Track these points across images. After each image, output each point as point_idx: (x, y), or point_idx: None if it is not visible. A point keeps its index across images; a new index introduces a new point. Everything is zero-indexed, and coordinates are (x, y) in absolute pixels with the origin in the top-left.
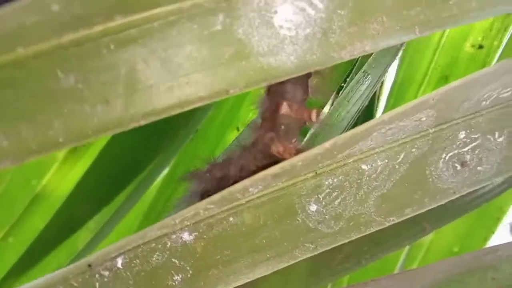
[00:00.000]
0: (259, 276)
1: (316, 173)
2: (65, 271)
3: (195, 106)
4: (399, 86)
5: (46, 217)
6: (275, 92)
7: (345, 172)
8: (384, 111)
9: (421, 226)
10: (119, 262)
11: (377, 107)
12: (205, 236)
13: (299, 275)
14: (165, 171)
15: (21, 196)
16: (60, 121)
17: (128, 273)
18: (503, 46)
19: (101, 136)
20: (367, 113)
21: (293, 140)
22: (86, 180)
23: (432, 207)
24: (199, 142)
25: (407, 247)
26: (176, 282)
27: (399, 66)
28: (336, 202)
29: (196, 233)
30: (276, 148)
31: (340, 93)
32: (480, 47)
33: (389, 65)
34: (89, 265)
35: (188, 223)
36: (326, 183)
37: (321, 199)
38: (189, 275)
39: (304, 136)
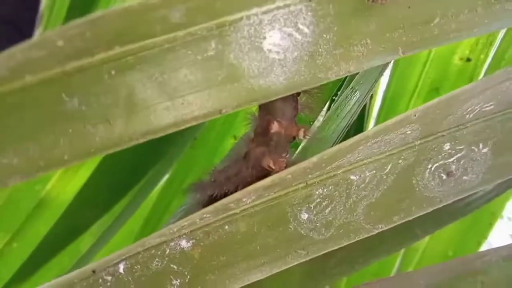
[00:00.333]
0: (254, 280)
1: (307, 183)
2: (70, 277)
3: (190, 125)
4: (390, 98)
5: (50, 222)
6: (266, 110)
7: (335, 182)
8: (376, 123)
9: (413, 232)
10: (121, 267)
11: (368, 119)
12: (202, 243)
13: (294, 280)
14: (165, 178)
15: (25, 202)
16: (65, 140)
17: (130, 278)
18: (490, 59)
19: (103, 153)
20: (357, 126)
21: (284, 155)
22: (89, 187)
23: (419, 214)
24: (197, 150)
25: (402, 251)
26: (175, 287)
27: (390, 79)
28: (327, 211)
29: (194, 241)
30: (267, 162)
31: (330, 107)
32: (468, 60)
33: (376, 81)
34: (93, 271)
35: (186, 231)
36: (317, 193)
37: (312, 208)
38: (187, 280)
39: (296, 148)
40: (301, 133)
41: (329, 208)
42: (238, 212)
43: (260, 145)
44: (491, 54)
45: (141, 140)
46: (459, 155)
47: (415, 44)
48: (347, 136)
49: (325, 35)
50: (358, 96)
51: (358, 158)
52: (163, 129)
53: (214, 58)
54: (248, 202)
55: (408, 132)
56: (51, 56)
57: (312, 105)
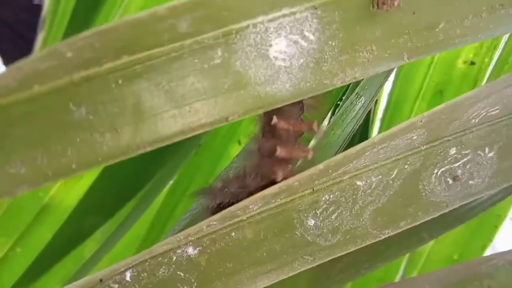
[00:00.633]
0: (261, 287)
1: (313, 189)
2: (77, 285)
3: (197, 133)
4: (395, 102)
5: (54, 227)
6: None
7: (341, 188)
8: (381, 127)
9: (420, 235)
10: (128, 275)
11: (373, 123)
12: (208, 250)
13: (300, 285)
14: (169, 184)
15: (29, 207)
16: (73, 149)
17: (137, 286)
18: (494, 62)
19: (110, 162)
20: (363, 130)
21: (289, 165)
22: (93, 192)
23: (426, 219)
24: (202, 156)
25: (407, 256)
26: None
27: (394, 83)
28: (333, 217)
29: (200, 248)
30: (273, 173)
31: (335, 113)
32: (472, 63)
33: (381, 86)
34: (100, 280)
35: (192, 239)
36: (323, 199)
37: (318, 214)
38: (194, 287)
39: None
40: (315, 125)
41: (336, 214)
42: (245, 219)
43: (269, 140)
44: (495, 58)
45: (149, 149)
46: (465, 159)
47: (420, 49)
48: (352, 141)
49: (330, 42)
50: (363, 102)
51: (364, 164)
52: (170, 137)
53: (221, 66)
54: (254, 209)
55: (414, 137)
56: (59, 66)
57: (317, 111)
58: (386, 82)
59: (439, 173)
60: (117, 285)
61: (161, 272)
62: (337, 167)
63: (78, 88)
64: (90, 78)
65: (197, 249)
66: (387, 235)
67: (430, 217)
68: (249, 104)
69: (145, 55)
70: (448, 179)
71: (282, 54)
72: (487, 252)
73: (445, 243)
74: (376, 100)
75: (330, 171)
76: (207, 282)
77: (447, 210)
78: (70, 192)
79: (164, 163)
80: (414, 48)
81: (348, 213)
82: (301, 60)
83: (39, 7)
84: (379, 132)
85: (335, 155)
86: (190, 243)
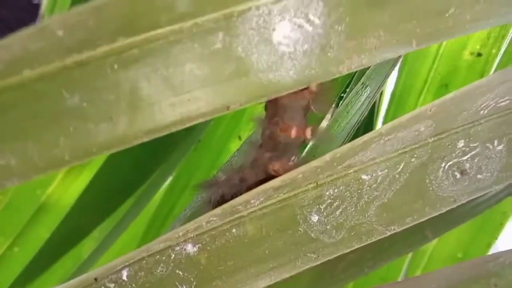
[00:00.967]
0: (263, 286)
1: (317, 184)
2: (71, 284)
3: (197, 122)
4: (400, 94)
5: (51, 226)
6: (273, 110)
7: (346, 182)
8: (385, 119)
9: (423, 233)
10: (124, 274)
11: (377, 115)
12: (208, 248)
13: (303, 283)
14: (168, 181)
15: (26, 206)
16: (66, 139)
17: (134, 285)
18: (501, 53)
19: (105, 153)
20: (367, 122)
21: (292, 158)
22: (91, 190)
23: (433, 215)
24: (201, 152)
25: (410, 255)
26: None
27: (399, 74)
28: (337, 212)
29: (200, 245)
30: (273, 167)
31: (339, 104)
32: (479, 55)
33: (387, 76)
34: (95, 279)
35: (192, 235)
36: (327, 193)
37: (322, 209)
38: (193, 286)
39: (305, 146)
40: (308, 133)
41: (340, 210)
42: (246, 214)
43: (268, 151)
44: (503, 48)
45: (146, 139)
46: (473, 152)
47: (429, 35)
48: (357, 133)
49: (336, 27)
50: (368, 92)
51: (370, 157)
52: (168, 126)
53: (222, 51)
54: (256, 204)
55: (422, 129)
56: (51, 48)
57: (322, 101)
58: (391, 74)
59: (446, 167)
60: (113, 285)
61: (159, 271)
62: (342, 159)
63: (71, 73)
64: (84, 62)
65: (197, 246)
66: (393, 232)
67: (437, 213)
68: (251, 92)
69: (142, 38)
70: (456, 173)
71: (286, 39)
72: (492, 250)
73: (449, 241)
74: (381, 91)
75: (335, 163)
76: (207, 281)
77: (454, 206)
78: (67, 191)
79: (163, 160)
80: (423, 34)
81: (353, 209)
82: (306, 46)
83: (38, 7)
84: (384, 124)
85: (339, 147)
86: (189, 240)
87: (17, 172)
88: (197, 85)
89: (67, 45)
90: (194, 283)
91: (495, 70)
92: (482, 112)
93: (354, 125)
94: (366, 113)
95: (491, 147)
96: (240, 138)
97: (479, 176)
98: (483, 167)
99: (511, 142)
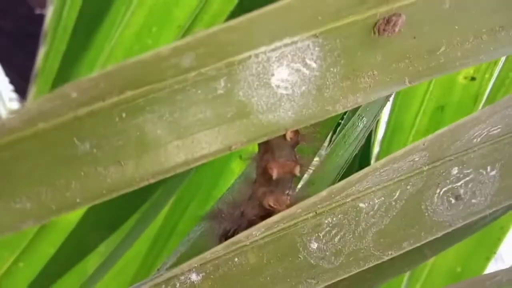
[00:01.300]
0: None
1: (316, 213)
2: None
3: (201, 163)
4: (396, 118)
5: (56, 242)
6: (264, 146)
7: (344, 210)
8: (382, 142)
9: (422, 252)
10: None
11: (374, 141)
12: (212, 276)
13: None
14: (172, 199)
15: None
16: (77, 183)
17: None
18: (494, 78)
19: (114, 195)
20: (364, 147)
21: (287, 192)
22: (95, 207)
23: (429, 239)
24: (203, 171)
25: None
26: None
27: (395, 99)
28: (336, 239)
29: (203, 274)
30: (268, 202)
31: (336, 132)
32: (473, 79)
33: (382, 106)
34: None
35: (196, 265)
36: (326, 221)
37: (321, 237)
38: None
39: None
40: (296, 171)
41: (339, 237)
42: (248, 244)
43: (263, 186)
44: (495, 73)
45: (152, 181)
46: (467, 178)
47: (422, 73)
48: (354, 160)
49: (332, 69)
50: (365, 122)
51: (366, 186)
52: (173, 168)
53: (224, 96)
54: (257, 234)
55: (416, 158)
56: (64, 104)
57: (314, 134)
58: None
59: (441, 193)
60: None
61: None
62: (339, 193)
63: (82, 123)
64: (94, 113)
65: (200, 275)
66: (390, 256)
67: (433, 237)
68: (252, 133)
69: (148, 89)
70: (451, 198)
71: (284, 82)
72: (491, 264)
73: (448, 256)
74: (378, 119)
75: (332, 195)
76: None
77: (450, 230)
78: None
79: (166, 179)
80: (415, 72)
81: (351, 235)
82: (303, 88)
83: (40, 17)
84: (381, 148)
85: (337, 175)
86: (194, 269)
87: (33, 215)
88: (200, 128)
89: (79, 101)
90: None
91: (489, 94)
92: (475, 140)
93: (352, 153)
94: (363, 141)
95: (484, 172)
96: (241, 158)
97: (473, 200)
98: (477, 192)
99: (503, 167)
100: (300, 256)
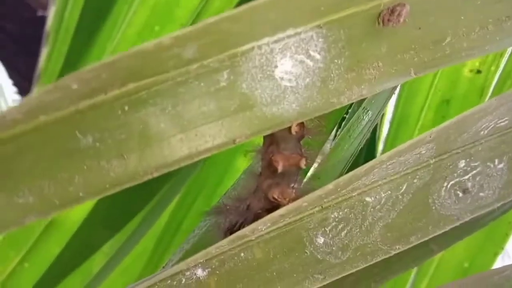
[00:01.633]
0: None
1: (322, 207)
2: None
3: (204, 157)
4: (401, 112)
5: (62, 242)
6: (269, 139)
7: (350, 205)
8: (387, 137)
9: (429, 247)
10: None
11: (379, 135)
12: (217, 272)
13: None
14: (176, 197)
15: (36, 222)
16: (80, 177)
17: None
18: (500, 70)
19: (117, 189)
20: (369, 142)
21: (292, 184)
22: (100, 206)
23: (436, 234)
24: (208, 169)
25: None
26: None
27: (400, 93)
28: (343, 234)
29: (209, 269)
30: (273, 194)
31: (341, 126)
32: (478, 72)
33: (388, 99)
34: None
35: (201, 260)
36: (332, 216)
37: (328, 231)
38: None
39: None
40: (302, 163)
41: (345, 231)
42: (254, 238)
43: (268, 178)
44: (501, 66)
45: (155, 174)
46: (474, 171)
47: (427, 64)
48: (359, 154)
49: (336, 60)
50: (370, 116)
51: (373, 180)
52: (177, 161)
53: (227, 88)
54: (263, 228)
55: (423, 151)
56: (65, 97)
57: (319, 128)
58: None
59: (448, 186)
60: None
61: None
62: (345, 186)
63: (84, 116)
64: (96, 106)
65: (206, 270)
66: (398, 251)
67: (441, 231)
68: (256, 125)
69: (150, 81)
70: (458, 192)
71: (288, 74)
72: (499, 259)
73: (456, 251)
74: (383, 113)
75: (338, 189)
76: None
77: (457, 224)
78: (77, 206)
79: (171, 177)
80: (420, 63)
81: (358, 230)
82: (307, 80)
83: (43, 19)
84: (386, 142)
85: (342, 169)
86: (199, 265)
87: (35, 210)
88: (204, 121)
89: (80, 93)
90: None
91: (495, 86)
92: (482, 132)
93: (357, 147)
94: (368, 135)
95: (492, 165)
96: (245, 155)
97: (481, 194)
98: (484, 185)
99: (511, 160)
100: (306, 251)
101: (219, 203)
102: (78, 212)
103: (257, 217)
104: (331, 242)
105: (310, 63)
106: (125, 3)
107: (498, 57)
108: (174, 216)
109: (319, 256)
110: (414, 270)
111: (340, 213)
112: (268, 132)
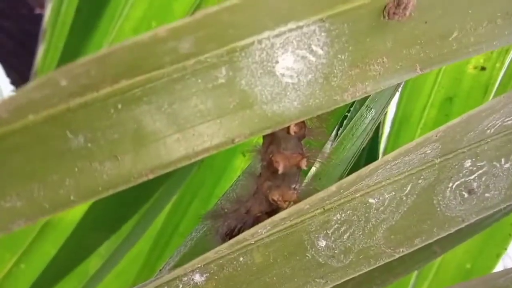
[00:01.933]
0: None
1: (324, 209)
2: None
3: (202, 157)
4: (403, 110)
5: (57, 243)
6: (269, 138)
7: (353, 206)
8: (389, 135)
9: (432, 249)
10: None
11: (382, 133)
12: (216, 277)
13: None
14: (173, 199)
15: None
16: (71, 180)
17: None
18: (505, 67)
19: (111, 192)
20: (372, 140)
21: (293, 186)
22: (96, 207)
23: (441, 236)
24: (205, 169)
25: None
26: None
27: (403, 90)
28: (345, 237)
29: (207, 274)
30: (273, 197)
31: (343, 125)
32: (483, 69)
33: (391, 97)
34: None
35: (199, 265)
36: (334, 218)
37: (330, 234)
38: None
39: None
40: (303, 164)
41: (348, 234)
42: (253, 242)
43: (268, 179)
44: (506, 62)
45: (151, 176)
46: (480, 171)
47: (433, 60)
48: (362, 153)
49: (340, 56)
50: (373, 114)
51: (376, 180)
52: (173, 163)
53: (225, 85)
54: (263, 232)
55: (428, 151)
56: (54, 94)
57: (321, 128)
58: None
59: (454, 186)
60: None
61: None
62: (349, 188)
63: (75, 115)
64: (88, 104)
65: (204, 275)
66: (402, 254)
67: (446, 233)
68: (255, 124)
69: (145, 78)
70: (464, 192)
71: (289, 70)
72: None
73: (458, 252)
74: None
75: (341, 190)
76: None
77: (463, 225)
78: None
79: (167, 178)
80: (426, 58)
81: (361, 232)
82: (310, 76)
83: (40, 16)
84: (388, 141)
85: (344, 169)
86: (197, 270)
87: (23, 215)
88: (201, 119)
89: (70, 91)
90: None
91: (499, 84)
92: (488, 131)
93: (359, 146)
94: (371, 134)
95: (498, 165)
96: (244, 155)
97: (486, 194)
98: (490, 185)
99: None
100: (307, 254)
101: (217, 206)
102: (74, 213)
103: (256, 220)
104: (333, 245)
105: (313, 59)
106: None
107: (503, 54)
108: (170, 218)
109: (320, 260)
110: (415, 272)
111: (343, 215)
112: (269, 131)
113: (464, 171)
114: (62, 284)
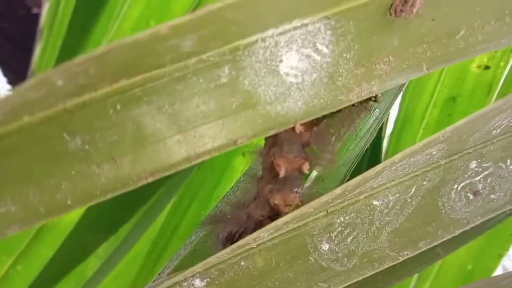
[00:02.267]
0: None
1: (327, 212)
2: None
3: (204, 159)
4: (406, 110)
5: (55, 245)
6: (272, 140)
7: (357, 209)
8: (391, 136)
9: (435, 251)
10: None
11: (384, 131)
12: (217, 282)
13: None
14: (173, 200)
15: None
16: (68, 183)
17: None
18: (510, 66)
19: (109, 196)
20: (375, 140)
21: (295, 189)
22: (94, 208)
23: (446, 238)
24: (205, 170)
25: None
26: None
27: (405, 90)
28: (349, 240)
29: (208, 279)
30: (274, 200)
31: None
32: (486, 67)
33: (395, 97)
34: None
35: (199, 270)
36: (338, 221)
37: (333, 237)
38: None
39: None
40: (305, 168)
41: (351, 237)
42: (255, 246)
43: (269, 183)
44: (511, 61)
45: (150, 179)
46: (486, 172)
47: (440, 58)
48: (365, 154)
49: (345, 54)
50: (377, 114)
51: (380, 182)
52: (174, 165)
53: (228, 85)
54: (265, 236)
55: (434, 152)
56: (51, 94)
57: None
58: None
59: (459, 188)
60: None
61: None
62: (354, 190)
63: (72, 115)
64: (86, 104)
65: (205, 280)
66: (406, 257)
67: (451, 235)
68: (259, 125)
69: (145, 77)
70: (469, 194)
71: (293, 69)
72: (503, 263)
73: (459, 253)
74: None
75: (346, 192)
76: None
77: (468, 227)
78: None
79: (167, 179)
80: (433, 57)
81: (365, 235)
82: (314, 75)
83: (37, 16)
84: (390, 141)
85: (347, 171)
86: (197, 275)
87: (18, 220)
88: (203, 120)
89: (67, 90)
90: None
91: (504, 84)
92: (494, 131)
93: (363, 147)
94: (375, 134)
95: (504, 166)
96: (244, 155)
97: (492, 196)
98: (496, 187)
99: None
100: (310, 258)
101: (217, 210)
102: (71, 214)
103: (258, 224)
104: (337, 249)
105: (317, 58)
106: None
107: (508, 52)
108: (169, 220)
109: (324, 264)
110: (416, 274)
111: (346, 217)
112: (272, 132)
113: (469, 172)
114: (60, 286)
